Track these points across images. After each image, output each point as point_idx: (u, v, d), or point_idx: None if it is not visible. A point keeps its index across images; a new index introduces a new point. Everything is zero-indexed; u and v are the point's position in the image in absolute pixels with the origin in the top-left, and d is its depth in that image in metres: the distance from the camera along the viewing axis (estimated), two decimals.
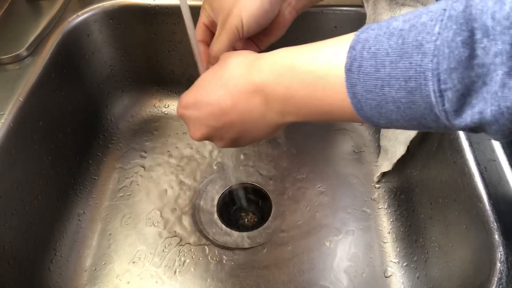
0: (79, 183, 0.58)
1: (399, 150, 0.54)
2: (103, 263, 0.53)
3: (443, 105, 0.22)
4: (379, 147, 0.62)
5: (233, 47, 0.39)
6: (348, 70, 0.25)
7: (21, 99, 0.46)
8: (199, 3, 0.56)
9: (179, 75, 0.67)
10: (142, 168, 0.62)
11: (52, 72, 0.51)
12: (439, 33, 0.21)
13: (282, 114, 0.32)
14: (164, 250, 0.54)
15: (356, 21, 0.57)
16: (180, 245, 0.54)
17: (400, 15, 0.24)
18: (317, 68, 0.27)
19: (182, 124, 0.68)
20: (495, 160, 0.42)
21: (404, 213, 0.55)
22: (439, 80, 0.21)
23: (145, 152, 0.64)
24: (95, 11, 0.57)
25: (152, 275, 0.52)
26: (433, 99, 0.22)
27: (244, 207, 0.61)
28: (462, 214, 0.43)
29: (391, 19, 0.24)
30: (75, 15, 0.56)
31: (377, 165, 0.61)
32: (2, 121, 0.44)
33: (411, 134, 0.52)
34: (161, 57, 0.64)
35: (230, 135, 0.35)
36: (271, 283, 0.52)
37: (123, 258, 0.53)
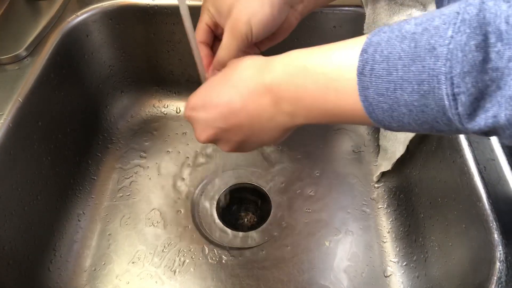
0: (78, 183, 0.58)
1: (398, 149, 0.54)
2: (103, 263, 0.53)
3: (457, 108, 0.21)
4: (378, 146, 0.62)
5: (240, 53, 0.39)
6: (360, 73, 0.25)
7: (20, 99, 0.46)
8: (198, 3, 0.57)
9: (179, 75, 0.67)
10: (142, 168, 0.62)
11: (51, 72, 0.51)
12: (452, 37, 0.21)
13: (292, 116, 0.31)
14: (164, 250, 0.54)
15: (355, 21, 0.57)
16: (180, 245, 0.54)
17: (412, 17, 0.24)
18: (329, 70, 0.27)
19: (181, 124, 0.68)
20: (494, 159, 0.42)
21: (404, 213, 0.55)
22: (452, 83, 0.21)
23: (145, 152, 0.64)
24: (94, 11, 0.57)
25: (152, 275, 0.52)
26: (446, 103, 0.22)
27: (243, 207, 0.61)
28: (461, 213, 0.43)
29: (403, 22, 0.24)
30: (74, 15, 0.56)
31: (377, 165, 0.61)
32: (1, 121, 0.44)
33: (410, 133, 0.52)
34: (161, 57, 0.64)
35: (237, 138, 0.35)
36: (270, 283, 0.52)
37: (123, 258, 0.53)
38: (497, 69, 0.20)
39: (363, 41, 0.26)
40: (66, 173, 0.56)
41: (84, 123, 0.60)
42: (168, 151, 0.64)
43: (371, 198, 0.60)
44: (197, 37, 0.41)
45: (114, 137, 0.65)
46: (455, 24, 0.21)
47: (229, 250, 0.54)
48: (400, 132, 0.54)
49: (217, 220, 0.57)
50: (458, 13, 0.21)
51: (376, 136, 0.64)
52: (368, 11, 0.53)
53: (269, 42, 0.42)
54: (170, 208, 0.58)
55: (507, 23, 0.19)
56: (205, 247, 0.54)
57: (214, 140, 0.37)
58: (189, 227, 0.56)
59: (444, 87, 0.21)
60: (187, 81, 0.67)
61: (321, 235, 0.56)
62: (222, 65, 0.39)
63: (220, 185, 0.60)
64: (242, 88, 0.33)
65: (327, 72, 0.28)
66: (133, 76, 0.66)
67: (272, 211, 0.58)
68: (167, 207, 0.58)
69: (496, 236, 0.37)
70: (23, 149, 0.47)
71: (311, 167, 0.63)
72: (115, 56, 0.63)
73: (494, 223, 0.37)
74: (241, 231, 0.56)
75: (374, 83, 0.24)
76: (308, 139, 0.65)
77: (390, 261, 0.54)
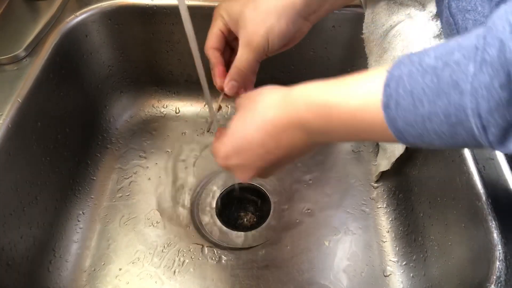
0: (78, 183, 0.58)
1: (397, 149, 0.54)
2: (102, 263, 0.53)
3: (487, 137, 0.22)
4: (377, 146, 0.62)
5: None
6: (386, 107, 0.25)
7: (20, 100, 0.46)
8: (197, 3, 0.57)
9: (178, 75, 0.67)
10: (141, 168, 0.62)
11: (50, 73, 0.51)
12: (474, 74, 0.21)
13: (324, 140, 0.33)
14: (164, 250, 0.54)
15: (354, 21, 0.57)
16: (179, 245, 0.54)
17: (430, 48, 0.24)
18: (354, 108, 0.28)
19: (180, 124, 0.68)
20: (493, 158, 0.42)
21: (403, 212, 0.55)
22: (480, 117, 0.21)
23: (144, 152, 0.64)
24: (93, 12, 0.57)
25: (152, 275, 0.52)
26: (476, 132, 0.22)
27: (243, 207, 0.61)
28: (460, 213, 0.43)
29: (421, 53, 0.25)
30: (73, 16, 0.56)
31: (376, 164, 0.61)
32: (1, 122, 0.44)
33: None
34: (160, 57, 0.64)
35: (276, 168, 0.37)
36: (270, 283, 0.52)
37: (123, 258, 0.53)
38: None
39: (383, 74, 0.26)
40: (65, 173, 0.56)
41: (83, 123, 0.60)
42: (167, 151, 0.64)
43: (370, 198, 0.60)
44: (209, 43, 0.42)
45: (114, 137, 0.65)
46: (475, 60, 0.21)
47: (229, 250, 0.54)
48: None
49: (217, 220, 0.57)
50: (477, 48, 0.21)
51: None
52: (367, 11, 0.53)
53: (279, 50, 0.43)
54: (169, 208, 0.58)
55: None
56: (205, 247, 0.54)
57: (256, 177, 0.38)
58: (189, 227, 0.56)
59: (473, 120, 0.22)
60: (186, 81, 0.67)
61: (321, 235, 0.56)
62: (240, 76, 0.40)
63: (220, 185, 0.60)
64: (271, 129, 0.33)
65: (352, 110, 0.28)
66: (132, 76, 0.66)
67: (271, 211, 0.58)
68: (167, 207, 0.58)
69: (495, 235, 0.37)
70: (22, 149, 0.46)
71: (311, 167, 0.63)
72: (114, 56, 0.63)
73: (494, 222, 0.37)
74: (241, 231, 0.56)
75: (401, 115, 0.25)
76: None
77: (390, 260, 0.54)
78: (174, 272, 0.52)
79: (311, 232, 0.56)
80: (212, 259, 0.54)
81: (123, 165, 0.62)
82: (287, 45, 0.43)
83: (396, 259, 0.54)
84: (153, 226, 0.56)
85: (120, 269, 0.53)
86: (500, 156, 0.42)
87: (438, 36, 0.46)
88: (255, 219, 0.60)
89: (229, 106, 0.69)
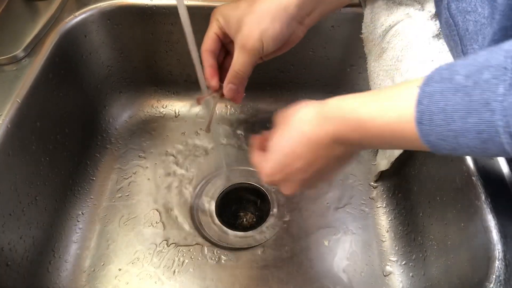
0: (77, 184, 0.58)
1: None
2: (102, 263, 0.53)
3: None
4: None
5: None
6: (419, 123, 0.26)
7: (19, 100, 0.46)
8: (197, 3, 0.57)
9: (177, 75, 0.67)
10: (141, 169, 0.62)
11: (49, 73, 0.51)
12: (504, 95, 0.22)
13: (360, 149, 0.35)
14: (163, 250, 0.54)
15: (354, 21, 0.57)
16: (179, 246, 0.54)
17: (459, 64, 0.25)
18: (387, 124, 0.29)
19: (180, 124, 0.68)
20: (493, 158, 0.42)
21: (403, 212, 0.55)
22: (511, 135, 0.22)
23: (144, 153, 0.64)
24: (92, 12, 0.57)
25: (151, 275, 0.52)
26: (508, 148, 0.23)
27: (243, 207, 0.61)
28: (460, 212, 0.43)
29: (451, 70, 0.25)
30: (72, 16, 0.55)
31: (376, 164, 0.61)
32: (0, 122, 0.44)
33: None
34: (159, 57, 0.64)
35: (319, 179, 0.38)
36: (270, 283, 0.52)
37: (122, 258, 0.53)
38: None
39: (415, 90, 0.27)
40: (64, 173, 0.56)
41: (82, 123, 0.60)
42: (167, 151, 0.64)
43: (370, 197, 0.60)
44: (205, 45, 0.44)
45: (113, 138, 0.65)
46: (505, 81, 0.22)
47: (229, 250, 0.54)
48: None
49: (216, 220, 0.57)
50: (506, 68, 0.22)
51: None
52: (366, 10, 0.53)
53: (274, 53, 0.44)
54: (169, 208, 0.58)
55: None
56: (205, 247, 0.54)
57: (300, 189, 0.39)
58: (189, 227, 0.56)
59: (504, 137, 0.23)
60: (185, 81, 0.67)
61: (320, 235, 0.56)
62: (237, 79, 0.42)
63: (219, 185, 0.60)
64: (308, 142, 0.34)
65: (385, 126, 0.29)
66: (132, 76, 0.66)
67: (271, 211, 0.58)
68: (166, 207, 0.58)
69: (494, 234, 0.37)
70: (21, 150, 0.46)
71: None
72: (113, 57, 0.63)
73: (493, 221, 0.38)
74: (240, 231, 0.56)
75: (434, 131, 0.26)
76: None
77: (389, 260, 0.54)
78: (174, 272, 0.52)
79: (310, 231, 0.56)
80: (211, 259, 0.54)
81: (123, 165, 0.62)
82: (282, 48, 0.44)
83: (395, 259, 0.54)
84: (153, 226, 0.56)
85: (119, 269, 0.52)
86: None
87: (437, 35, 0.46)
88: (254, 219, 0.61)
89: (229, 106, 0.69)
